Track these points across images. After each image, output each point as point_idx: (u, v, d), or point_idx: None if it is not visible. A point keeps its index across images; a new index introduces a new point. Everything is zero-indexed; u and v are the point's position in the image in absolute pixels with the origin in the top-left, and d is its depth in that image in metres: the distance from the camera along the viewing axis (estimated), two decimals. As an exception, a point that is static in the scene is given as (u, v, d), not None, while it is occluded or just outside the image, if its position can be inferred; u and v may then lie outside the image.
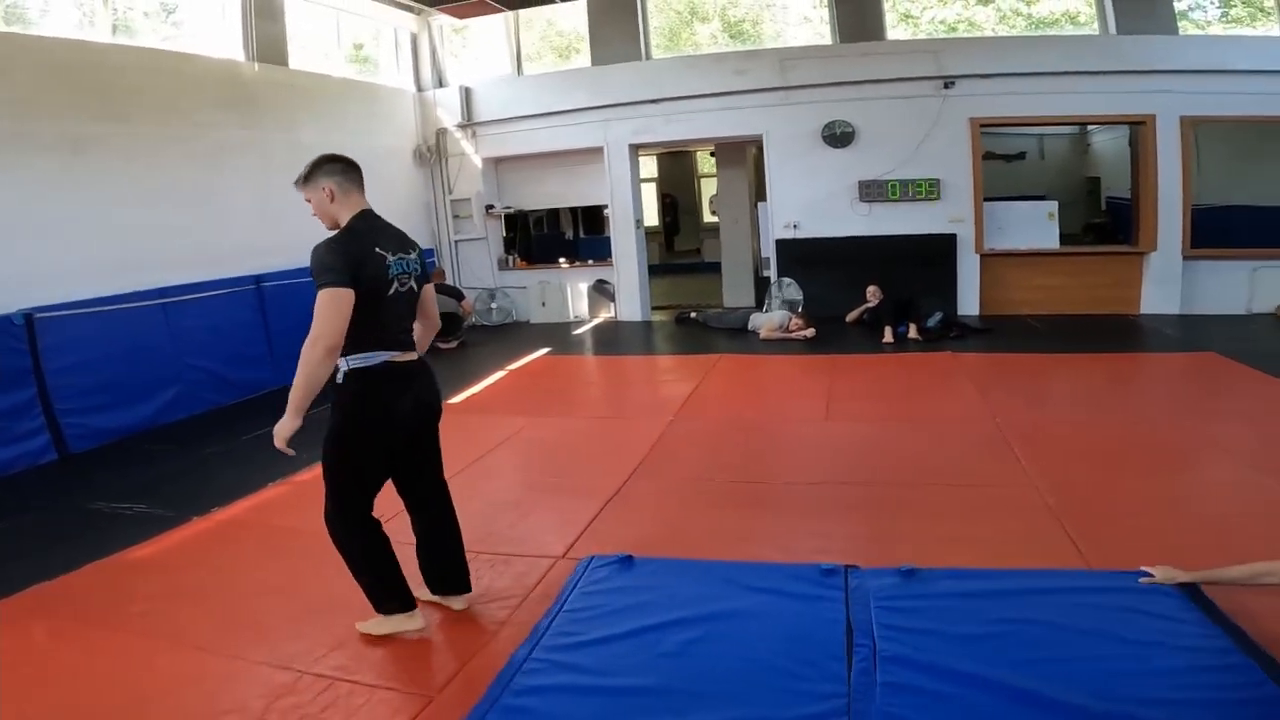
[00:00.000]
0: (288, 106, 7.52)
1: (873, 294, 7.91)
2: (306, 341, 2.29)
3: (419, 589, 2.78)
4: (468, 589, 2.84)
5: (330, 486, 2.53)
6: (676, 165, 14.55)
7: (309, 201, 2.56)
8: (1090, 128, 10.69)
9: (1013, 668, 2.22)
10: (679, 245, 14.75)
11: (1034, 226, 8.46)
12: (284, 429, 2.37)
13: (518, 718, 2.14)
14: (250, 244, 6.96)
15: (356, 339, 2.37)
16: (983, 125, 8.28)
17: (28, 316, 5.07)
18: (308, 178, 2.53)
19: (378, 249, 2.44)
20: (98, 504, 4.28)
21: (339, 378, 2.44)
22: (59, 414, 5.25)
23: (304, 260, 7.78)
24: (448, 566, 2.80)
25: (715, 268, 11.50)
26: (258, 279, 6.90)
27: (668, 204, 14.62)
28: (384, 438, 2.49)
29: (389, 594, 2.59)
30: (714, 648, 2.44)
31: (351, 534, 2.53)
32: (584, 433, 5.26)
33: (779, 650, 2.40)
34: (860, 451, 4.47)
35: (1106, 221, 10.04)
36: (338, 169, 2.52)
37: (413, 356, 2.57)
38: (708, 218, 14.42)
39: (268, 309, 6.96)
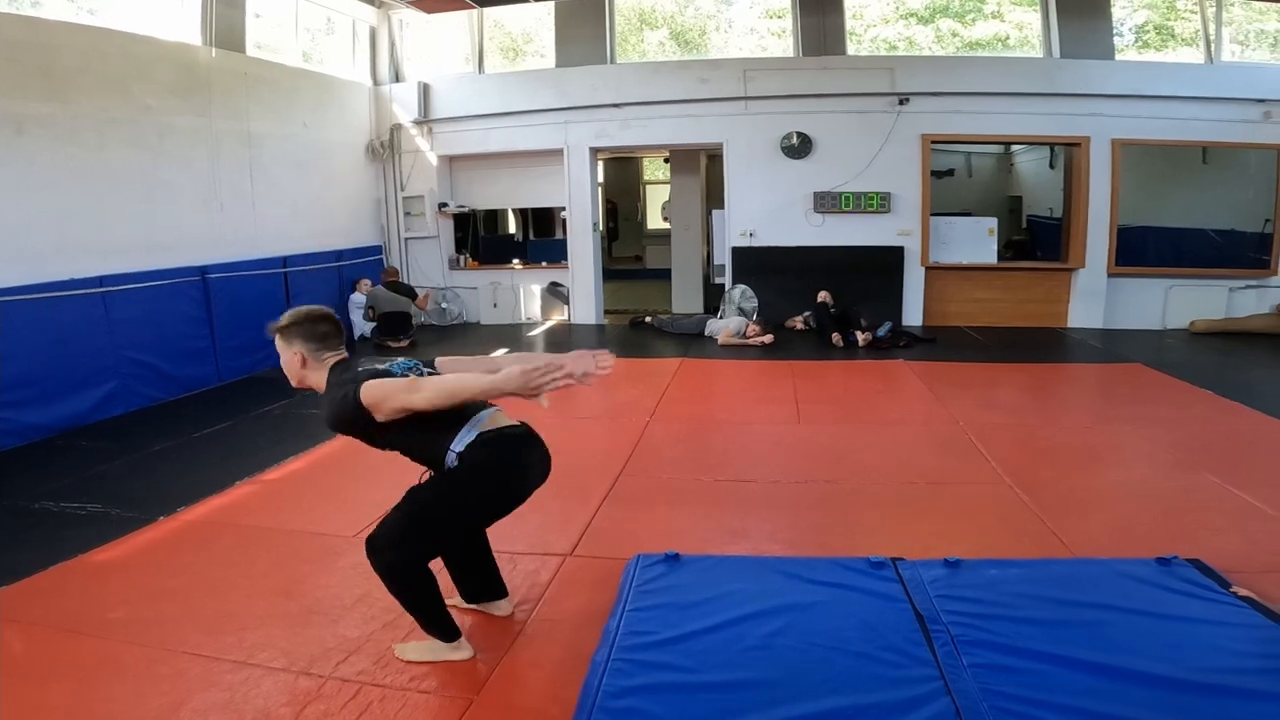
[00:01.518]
0: (240, 95, 7.21)
1: (824, 298, 8.15)
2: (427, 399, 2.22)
3: (450, 596, 2.69)
4: (505, 593, 2.77)
5: (417, 528, 2.32)
6: (622, 171, 14.59)
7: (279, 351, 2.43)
8: (1014, 148, 11.32)
9: (1082, 645, 2.37)
10: (617, 251, 14.74)
11: (974, 242, 8.89)
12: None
13: (628, 718, 2.10)
14: (196, 234, 6.67)
15: (444, 428, 2.30)
16: (933, 141, 8.66)
17: (-41, 301, 4.69)
18: (283, 331, 2.40)
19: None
20: (43, 503, 3.98)
21: (453, 460, 2.30)
22: (-11, 408, 4.87)
23: (251, 253, 7.60)
24: (488, 578, 2.73)
25: (658, 274, 11.69)
26: (203, 270, 6.58)
27: (609, 209, 14.61)
28: (515, 497, 2.40)
29: (439, 626, 2.44)
30: (795, 639, 2.46)
31: (418, 575, 2.35)
32: (561, 432, 5.09)
33: (858, 639, 2.44)
34: (837, 452, 4.61)
35: (1026, 239, 10.64)
36: (316, 335, 2.39)
37: (510, 420, 2.43)
38: (651, 224, 14.62)
39: (213, 302, 6.65)
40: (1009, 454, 4.42)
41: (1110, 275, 8.57)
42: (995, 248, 8.95)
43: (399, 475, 4.24)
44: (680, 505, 3.86)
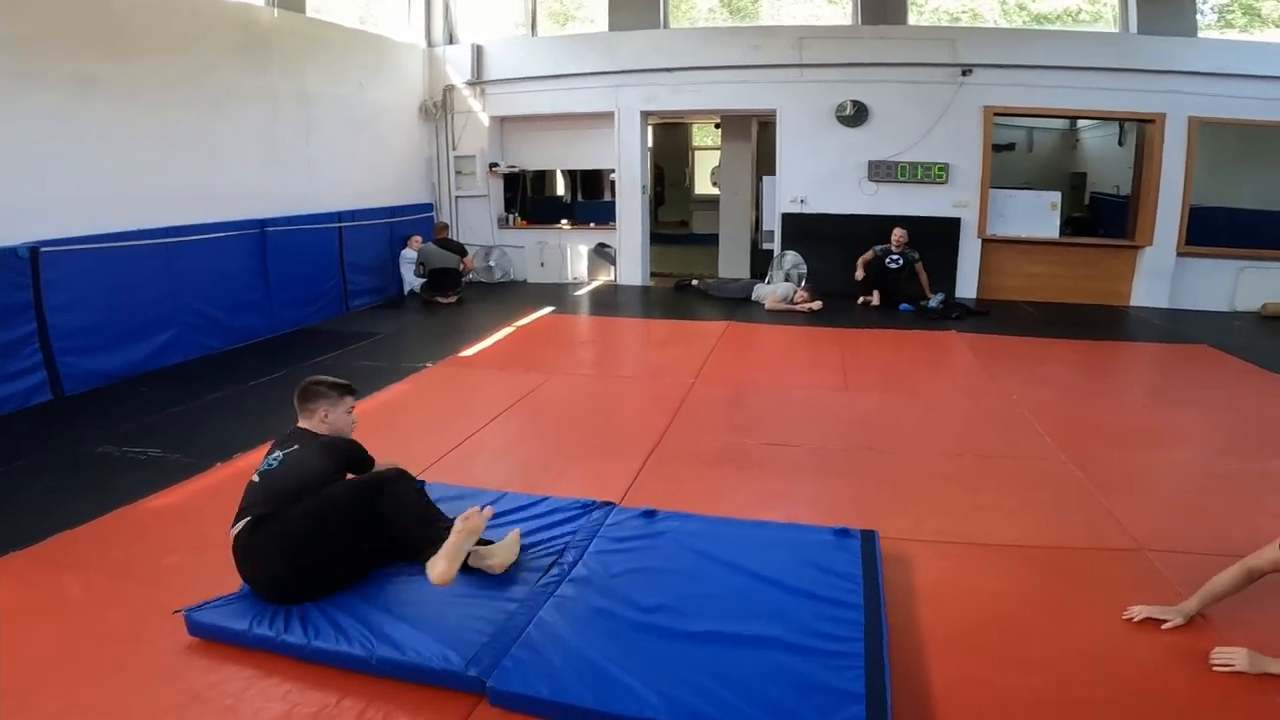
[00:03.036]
0: (299, 55, 7.30)
1: (898, 238, 7.95)
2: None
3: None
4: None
5: None
6: (670, 136, 14.43)
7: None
8: (1080, 124, 10.87)
9: (661, 607, 2.44)
10: (663, 216, 14.68)
11: (1035, 216, 8.60)
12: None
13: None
14: (254, 190, 6.80)
15: None
16: (996, 114, 8.37)
17: (32, 250, 4.86)
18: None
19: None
20: (105, 447, 4.09)
21: None
22: (56, 352, 5.04)
23: (307, 208, 7.68)
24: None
25: (703, 239, 11.63)
26: (261, 224, 6.72)
27: (655, 174, 14.50)
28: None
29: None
30: None
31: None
32: (605, 392, 5.25)
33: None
34: (884, 421, 4.53)
35: (1088, 216, 10.27)
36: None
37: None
38: (699, 190, 14.54)
39: (269, 255, 6.80)
40: (1063, 430, 4.29)
41: (1179, 255, 8.20)
42: (1057, 222, 8.64)
43: (445, 427, 4.37)
44: (722, 466, 3.85)
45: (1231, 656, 2.21)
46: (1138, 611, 2.47)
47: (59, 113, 5.15)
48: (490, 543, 2.67)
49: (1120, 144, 9.81)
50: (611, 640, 2.25)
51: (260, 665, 2.24)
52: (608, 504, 3.16)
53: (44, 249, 4.92)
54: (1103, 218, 9.88)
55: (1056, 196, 8.73)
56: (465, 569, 2.53)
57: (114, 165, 5.54)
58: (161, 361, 5.79)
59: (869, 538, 2.83)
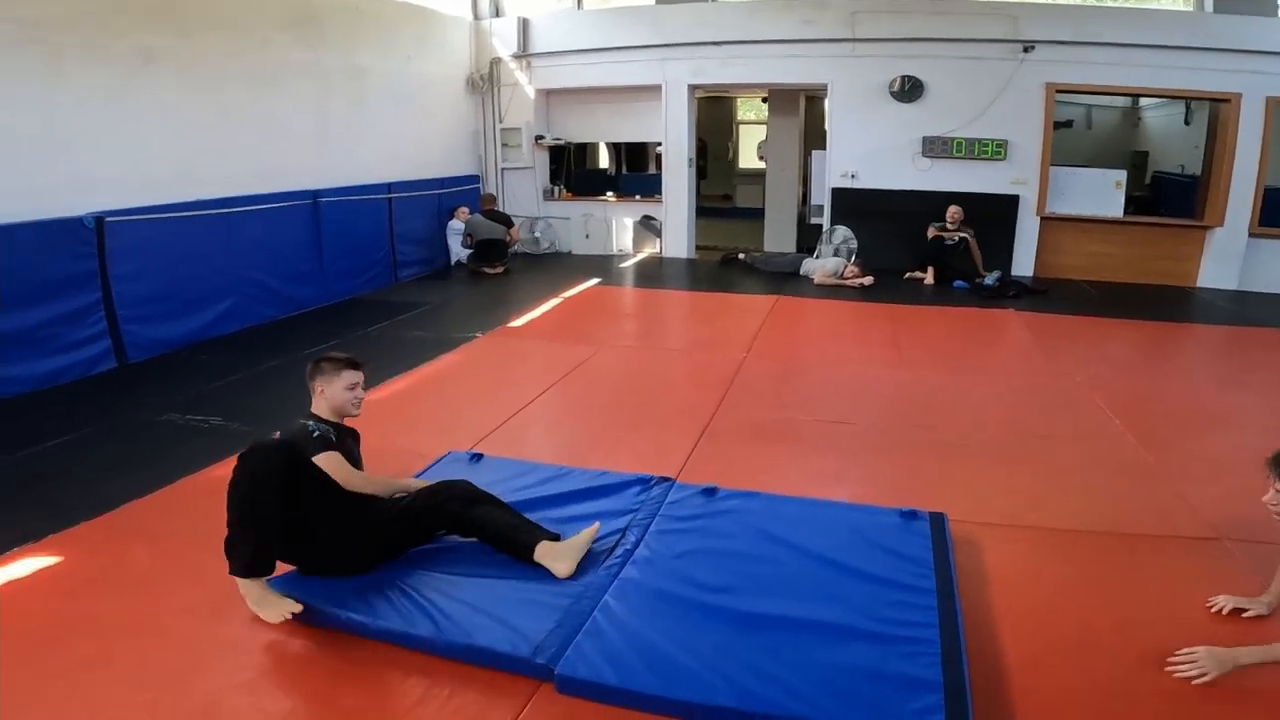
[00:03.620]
0: (347, 29, 7.34)
1: (954, 215, 7.81)
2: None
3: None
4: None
5: None
6: (714, 110, 14.25)
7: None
8: (1143, 102, 10.46)
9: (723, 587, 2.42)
10: (706, 190, 14.55)
11: (1097, 194, 8.31)
12: None
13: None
14: (306, 162, 6.87)
15: None
16: (1058, 91, 8.08)
17: (98, 219, 4.96)
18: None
19: None
20: (169, 415, 4.17)
21: None
22: (121, 320, 5.16)
23: (357, 180, 7.67)
24: None
25: (747, 213, 11.57)
26: (314, 195, 6.80)
27: (699, 148, 14.35)
28: None
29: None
30: None
31: None
32: (654, 365, 5.23)
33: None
34: (940, 399, 4.43)
35: (1149, 195, 9.91)
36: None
37: None
38: (743, 164, 14.44)
39: (322, 225, 6.89)
40: (1130, 412, 4.14)
41: (1251, 236, 7.85)
42: (1122, 201, 8.33)
43: (496, 398, 4.39)
44: (779, 443, 3.80)
45: (1194, 658, 2.05)
46: (1222, 602, 2.38)
47: (121, 86, 5.23)
48: (558, 538, 2.58)
49: (1187, 123, 9.42)
50: (677, 625, 2.22)
51: (324, 642, 2.25)
52: (666, 479, 3.14)
53: (109, 219, 5.02)
54: (1165, 197, 9.54)
55: (1121, 175, 8.43)
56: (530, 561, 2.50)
57: (173, 138, 5.63)
58: (220, 330, 5.90)
59: (938, 520, 2.77)
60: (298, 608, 2.22)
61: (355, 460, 2.82)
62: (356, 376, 2.78)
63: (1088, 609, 2.44)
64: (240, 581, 2.28)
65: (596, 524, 2.66)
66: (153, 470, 3.41)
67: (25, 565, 2.66)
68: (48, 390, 4.58)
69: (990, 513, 3.03)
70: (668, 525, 2.77)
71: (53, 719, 1.97)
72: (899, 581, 2.41)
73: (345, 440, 2.76)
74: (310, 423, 2.66)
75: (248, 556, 2.25)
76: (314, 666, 2.16)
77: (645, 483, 3.09)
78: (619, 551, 2.61)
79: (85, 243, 4.91)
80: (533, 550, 2.48)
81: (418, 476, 3.18)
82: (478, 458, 3.36)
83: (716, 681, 1.98)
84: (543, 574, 2.46)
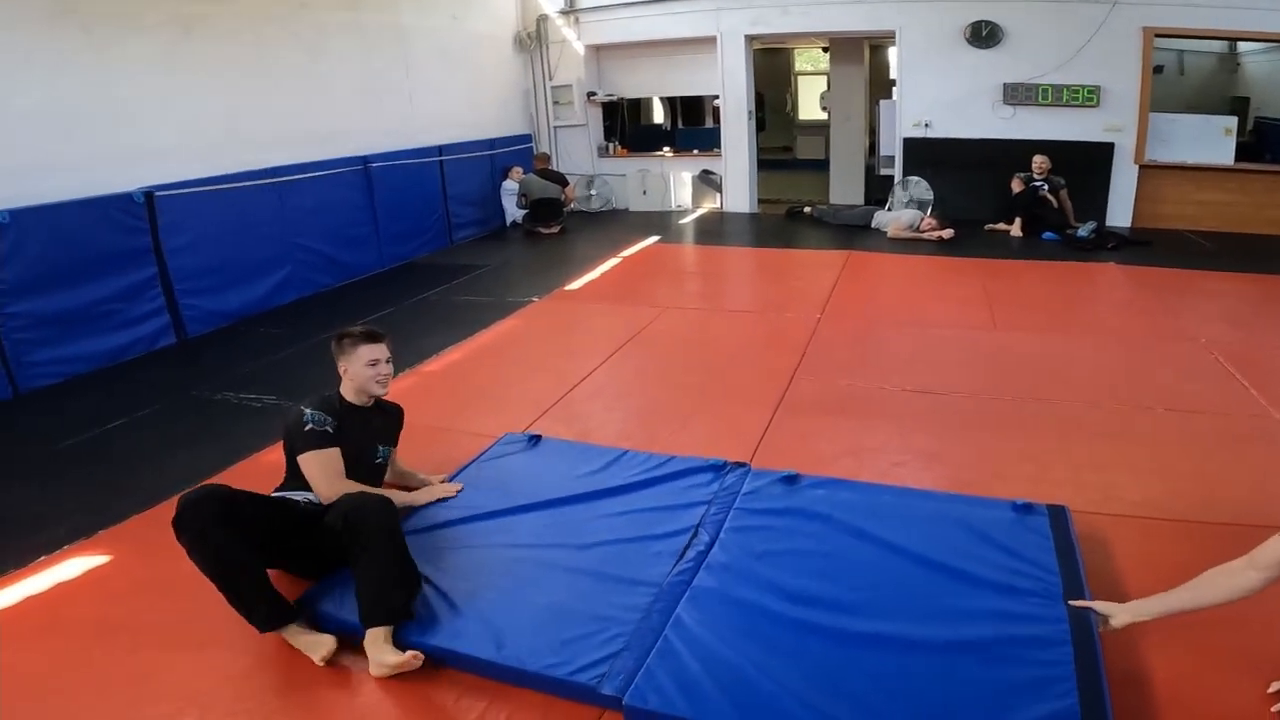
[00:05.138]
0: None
1: (1040, 164, 7.27)
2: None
3: None
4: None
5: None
6: (770, 62, 13.79)
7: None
8: (1242, 46, 9.57)
9: (824, 584, 2.17)
10: (764, 142, 14.14)
11: (1203, 141, 7.61)
12: None
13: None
14: (355, 125, 6.70)
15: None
16: (1156, 34, 7.33)
17: (148, 194, 4.87)
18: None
19: None
20: (224, 394, 4.06)
21: None
22: (178, 294, 5.10)
23: (408, 143, 7.31)
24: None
25: (808, 165, 11.32)
26: (365, 160, 6.64)
27: (756, 101, 13.86)
28: None
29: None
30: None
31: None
32: (722, 329, 4.91)
33: (618, 550, 2.38)
34: (1046, 365, 4.00)
35: (1252, 142, 9.07)
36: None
37: None
38: (802, 115, 14.12)
39: (375, 190, 6.74)
40: (1270, 381, 3.63)
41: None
42: (1232, 148, 7.60)
43: (556, 367, 4.15)
44: (864, 417, 3.46)
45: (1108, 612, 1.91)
46: None
47: (164, 56, 5.08)
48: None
49: None
50: (760, 644, 1.94)
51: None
52: (740, 465, 2.84)
53: (159, 193, 4.92)
54: (1270, 144, 8.75)
55: (1231, 121, 7.71)
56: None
57: (219, 107, 5.49)
58: (277, 300, 5.82)
59: (1059, 514, 2.40)
60: (332, 645, 2.03)
61: (379, 439, 2.62)
62: (377, 351, 2.52)
63: (1245, 617, 2.04)
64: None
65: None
66: (204, 455, 3.28)
67: (76, 565, 2.57)
68: (112, 368, 4.57)
69: (1118, 503, 2.65)
70: (745, 521, 2.48)
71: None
72: (1019, 588, 2.08)
73: (357, 429, 2.50)
74: (308, 412, 2.41)
75: (260, 610, 2.05)
76: (367, 685, 1.97)
77: (718, 469, 2.80)
78: (691, 555, 2.33)
79: (137, 218, 4.83)
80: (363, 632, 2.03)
81: (475, 462, 2.96)
82: (535, 440, 3.12)
83: (806, 717, 1.71)
84: (608, 585, 2.21)
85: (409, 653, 1.93)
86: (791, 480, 2.68)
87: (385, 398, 2.68)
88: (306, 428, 2.37)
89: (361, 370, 2.50)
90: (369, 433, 2.56)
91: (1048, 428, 3.28)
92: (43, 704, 1.94)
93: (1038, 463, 2.97)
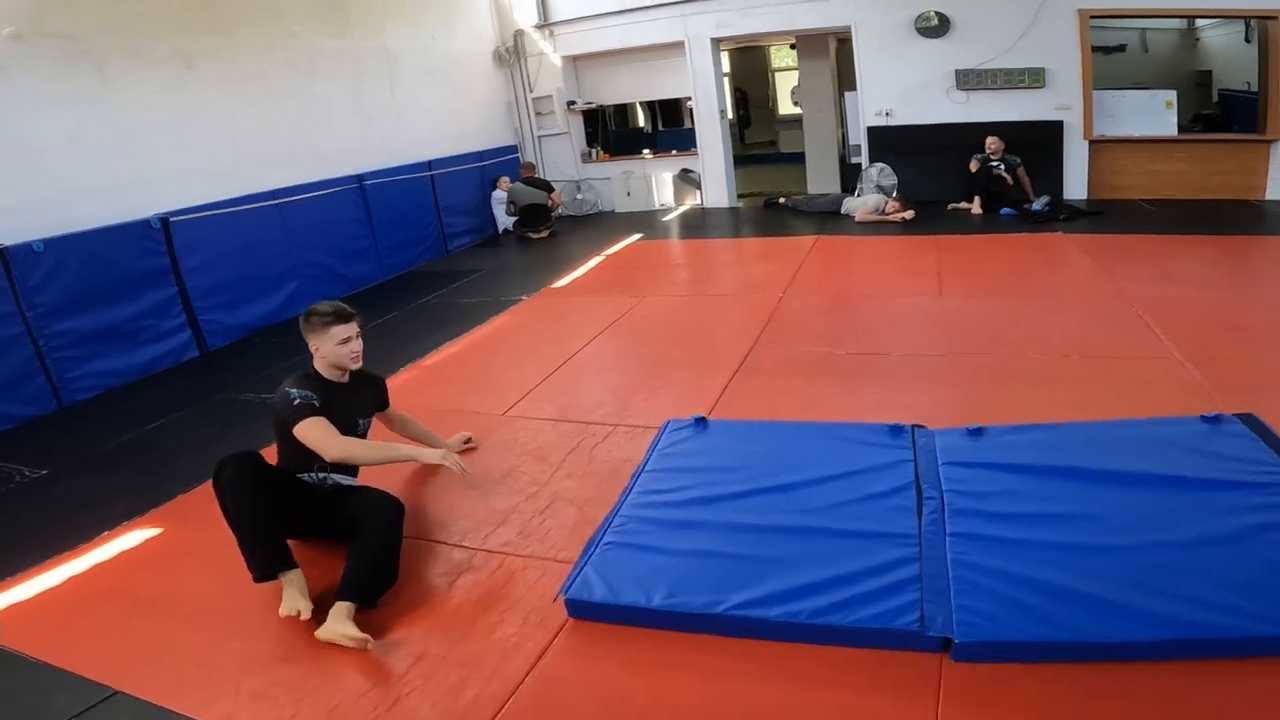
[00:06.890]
0: (374, 14, 7.56)
1: (993, 145, 7.66)
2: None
3: None
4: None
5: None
6: (748, 60, 14.20)
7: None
8: (1199, 22, 9.97)
9: (1069, 513, 2.25)
10: (750, 138, 14.68)
11: (1148, 115, 8.02)
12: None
13: (606, 569, 2.29)
14: (349, 145, 7.13)
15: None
16: (1092, 16, 7.75)
17: (164, 219, 5.31)
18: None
19: None
20: (246, 395, 4.51)
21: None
22: (197, 311, 5.55)
23: (399, 160, 7.75)
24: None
25: (792, 158, 11.57)
26: (359, 178, 7.07)
27: (738, 98, 14.31)
28: None
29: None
30: (786, 512, 2.48)
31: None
32: (696, 309, 5.36)
33: (848, 511, 2.42)
34: (985, 326, 4.41)
35: (1218, 113, 9.45)
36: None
37: None
38: (784, 110, 14.36)
39: (371, 206, 7.18)
40: (1185, 329, 4.03)
41: (1319, 144, 7.40)
42: (1174, 120, 8.01)
43: (543, 353, 4.59)
44: (815, 377, 3.88)
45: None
46: None
47: (169, 87, 5.52)
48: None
49: (1247, 40, 8.93)
50: (1046, 565, 1.99)
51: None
52: (919, 426, 2.96)
53: (173, 218, 5.37)
54: (1235, 114, 9.10)
55: (1172, 95, 8.09)
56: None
57: (222, 133, 5.92)
58: (288, 312, 6.20)
59: (1251, 420, 2.62)
60: (306, 611, 2.27)
61: (359, 411, 2.82)
62: (348, 330, 2.68)
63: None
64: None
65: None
66: (236, 445, 3.54)
67: (135, 537, 3.00)
68: (145, 380, 5.05)
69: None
70: (958, 472, 2.56)
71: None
72: (1259, 483, 2.22)
73: (336, 402, 2.67)
74: (294, 390, 2.58)
75: (258, 555, 2.33)
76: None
77: (898, 431, 2.91)
78: (928, 508, 2.38)
79: (155, 241, 5.27)
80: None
81: (654, 452, 3.03)
82: (702, 423, 3.19)
83: (1151, 610, 1.78)
84: (872, 541, 2.28)
85: (365, 635, 2.16)
86: (977, 433, 2.81)
87: (363, 370, 2.90)
88: (295, 402, 2.54)
89: (334, 349, 2.66)
90: (349, 405, 2.75)
91: (980, 378, 3.69)
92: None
93: (971, 405, 3.34)
